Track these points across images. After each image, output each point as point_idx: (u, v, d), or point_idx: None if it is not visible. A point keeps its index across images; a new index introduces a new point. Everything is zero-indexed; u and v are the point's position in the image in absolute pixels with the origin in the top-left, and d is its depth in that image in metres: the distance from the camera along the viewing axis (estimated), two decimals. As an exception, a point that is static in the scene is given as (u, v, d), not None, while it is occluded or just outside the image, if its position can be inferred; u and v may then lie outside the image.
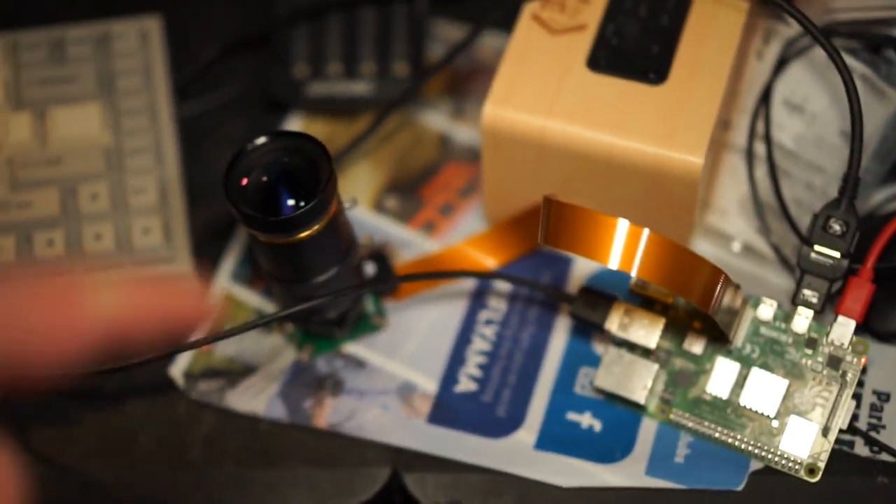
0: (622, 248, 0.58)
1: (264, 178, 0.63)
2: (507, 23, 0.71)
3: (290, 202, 0.63)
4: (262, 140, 0.63)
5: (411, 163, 0.78)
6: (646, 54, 0.67)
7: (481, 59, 0.81)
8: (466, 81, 0.81)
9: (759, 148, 0.73)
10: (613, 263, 0.58)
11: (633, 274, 0.58)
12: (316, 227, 0.62)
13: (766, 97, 0.73)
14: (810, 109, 0.72)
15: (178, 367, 0.71)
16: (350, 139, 0.77)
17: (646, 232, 0.57)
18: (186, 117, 0.79)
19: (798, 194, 0.72)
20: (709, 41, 0.67)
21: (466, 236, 0.74)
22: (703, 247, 0.73)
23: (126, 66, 0.77)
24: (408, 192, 0.77)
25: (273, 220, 0.61)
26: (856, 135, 0.65)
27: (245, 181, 0.62)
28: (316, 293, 0.66)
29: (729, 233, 0.73)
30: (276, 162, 0.63)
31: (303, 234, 0.62)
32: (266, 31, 0.81)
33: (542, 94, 0.67)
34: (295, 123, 0.80)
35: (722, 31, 0.68)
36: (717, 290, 0.60)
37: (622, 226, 0.57)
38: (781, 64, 0.73)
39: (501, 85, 0.67)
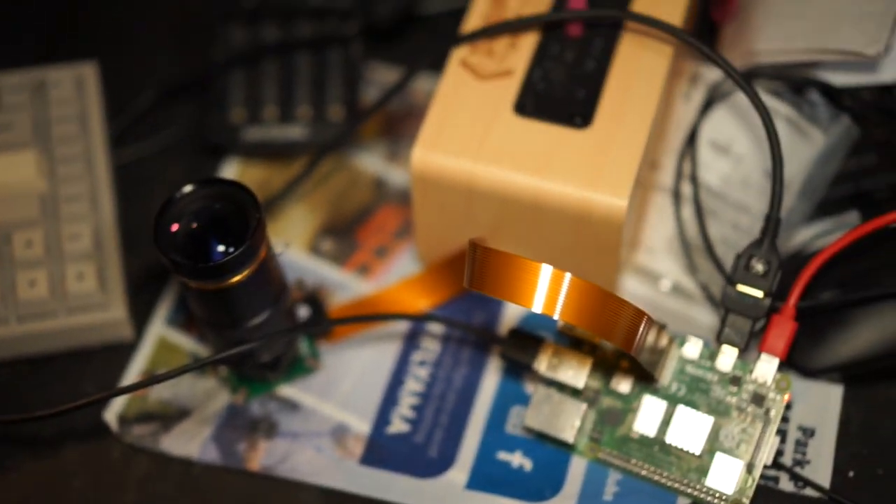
0: (545, 292, 0.58)
1: (194, 225, 0.64)
2: (441, 66, 0.72)
3: (220, 248, 0.64)
4: (190, 188, 0.63)
5: (346, 205, 0.79)
6: (571, 99, 0.69)
7: (415, 102, 0.82)
8: (401, 124, 0.82)
9: (687, 188, 0.74)
10: (537, 307, 0.59)
11: (556, 317, 0.59)
12: (246, 273, 0.63)
13: (692, 139, 0.74)
14: (736, 150, 0.73)
15: (113, 412, 0.71)
16: (286, 183, 0.78)
17: (567, 276, 0.58)
18: (124, 163, 0.80)
19: (725, 233, 0.73)
20: (633, 85, 0.69)
21: (401, 278, 0.75)
22: (633, 285, 0.74)
23: (62, 113, 0.78)
24: (343, 234, 0.78)
25: (202, 267, 0.62)
26: (777, 176, 0.66)
27: (175, 228, 0.63)
28: (249, 337, 0.66)
29: (658, 271, 0.74)
30: (206, 209, 0.64)
31: (233, 280, 0.63)
32: (203, 77, 0.82)
33: (470, 139, 0.68)
34: (232, 168, 0.80)
35: (646, 76, 0.69)
36: (640, 332, 0.61)
37: (545, 270, 0.58)
38: (707, 106, 0.74)
39: (430, 129, 0.68)
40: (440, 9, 0.86)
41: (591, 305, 0.59)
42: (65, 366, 0.73)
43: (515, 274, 0.59)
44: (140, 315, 0.74)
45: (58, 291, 0.72)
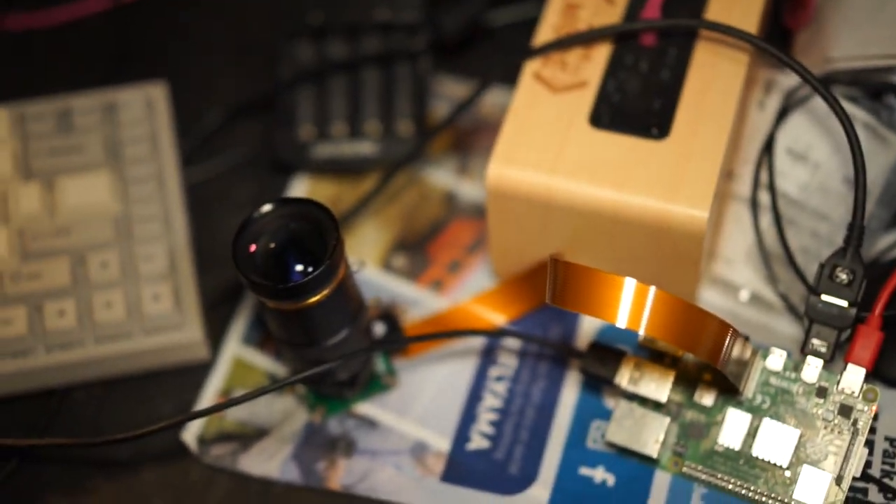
0: (629, 306, 0.58)
1: (272, 245, 0.63)
2: (509, 78, 0.71)
3: (299, 268, 0.64)
4: (268, 207, 0.63)
5: (418, 221, 0.78)
6: (648, 109, 0.68)
7: (484, 116, 0.82)
8: (470, 138, 0.81)
9: (764, 197, 0.73)
10: (621, 322, 0.58)
11: (642, 332, 0.58)
12: (325, 293, 0.63)
13: (768, 147, 0.73)
14: (813, 158, 0.73)
15: (191, 433, 0.71)
16: (357, 199, 0.78)
17: (652, 290, 0.58)
18: (194, 183, 0.80)
19: (804, 242, 0.72)
20: (710, 94, 0.68)
21: (475, 293, 0.75)
22: (711, 297, 0.73)
23: (133, 133, 0.78)
24: (415, 249, 0.77)
25: (282, 287, 0.61)
26: (859, 183, 0.65)
27: (253, 248, 0.63)
28: (327, 356, 0.66)
29: (736, 282, 0.73)
30: (284, 228, 0.64)
31: (312, 300, 0.62)
32: (270, 94, 0.82)
33: (546, 152, 0.67)
34: (301, 185, 0.80)
35: (723, 84, 0.68)
36: (726, 345, 0.60)
37: (629, 285, 0.58)
38: (783, 114, 0.73)
39: (505, 143, 0.68)
40: (507, 20, 0.85)
41: (677, 319, 0.59)
42: (142, 387, 0.73)
43: (599, 288, 0.58)
44: (215, 334, 0.74)
45: (134, 312, 0.72)
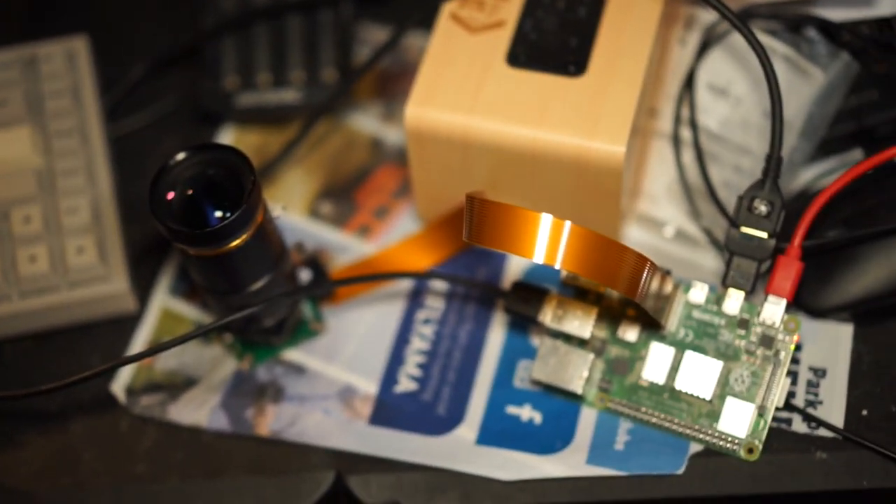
0: (546, 242, 0.58)
1: (189, 192, 0.63)
2: (431, 23, 0.71)
3: (217, 214, 0.63)
4: (183, 155, 0.63)
5: (344, 167, 0.78)
6: (564, 47, 0.68)
7: (409, 61, 0.82)
8: (395, 83, 0.81)
9: (686, 133, 0.73)
10: (538, 257, 0.58)
11: (558, 266, 0.58)
12: (244, 237, 0.62)
13: (689, 83, 0.73)
14: (734, 93, 0.73)
15: (120, 384, 0.71)
16: (281, 147, 0.77)
17: (567, 224, 0.58)
18: (119, 135, 0.80)
19: (727, 177, 0.72)
20: (626, 31, 0.68)
21: (402, 237, 0.75)
22: (636, 234, 0.74)
23: (54, 87, 0.78)
24: (342, 196, 0.77)
25: (200, 233, 0.61)
26: (776, 116, 0.65)
27: (171, 196, 0.63)
28: (251, 302, 0.66)
29: (660, 219, 0.73)
30: (200, 175, 0.63)
31: (231, 245, 0.62)
32: (194, 45, 0.81)
33: (464, 92, 0.67)
34: (228, 135, 0.80)
35: (639, 21, 0.68)
36: (644, 278, 0.61)
37: (545, 220, 0.58)
38: (703, 49, 0.73)
39: (423, 85, 0.68)
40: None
41: (593, 253, 0.59)
42: (69, 340, 0.73)
43: (515, 225, 0.58)
44: (143, 286, 0.74)
45: (58, 266, 0.71)
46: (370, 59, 0.75)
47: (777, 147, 0.65)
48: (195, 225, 0.63)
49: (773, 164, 0.65)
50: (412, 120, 0.67)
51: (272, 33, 0.81)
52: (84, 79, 0.78)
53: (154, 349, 0.66)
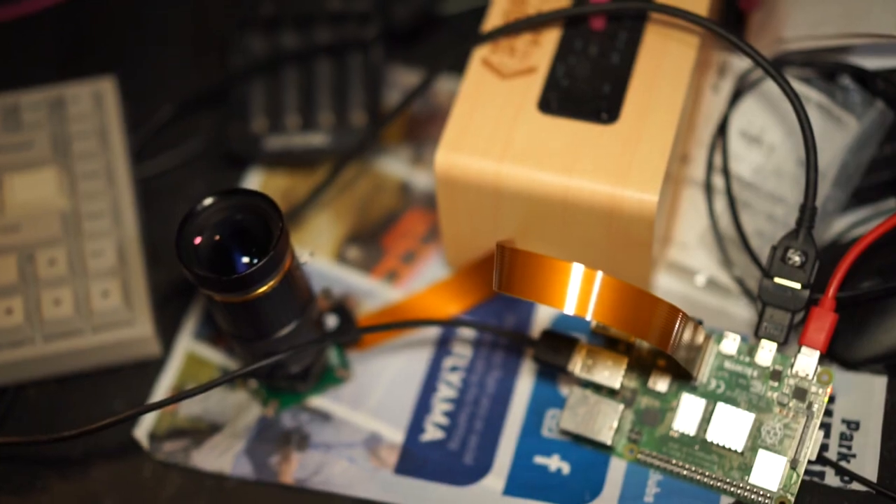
0: (577, 292, 0.57)
1: (217, 237, 0.63)
2: (462, 66, 0.71)
3: (244, 259, 0.63)
4: (210, 200, 0.62)
5: (372, 212, 0.78)
6: (597, 94, 0.67)
7: (438, 105, 0.81)
8: (424, 127, 0.81)
9: (719, 181, 0.72)
10: (569, 308, 0.57)
11: (589, 318, 0.57)
12: (271, 284, 0.62)
13: (722, 130, 0.72)
14: (768, 140, 0.72)
15: (143, 429, 0.70)
16: (309, 191, 0.77)
17: (599, 275, 0.57)
18: (146, 177, 0.79)
19: (760, 226, 0.71)
20: (660, 78, 0.67)
21: (430, 283, 0.74)
22: (667, 282, 0.73)
23: (81, 128, 0.77)
24: (369, 241, 0.77)
25: (226, 280, 0.61)
26: (811, 165, 0.64)
27: (198, 241, 0.62)
28: (277, 349, 0.65)
29: (692, 267, 0.73)
30: (228, 220, 0.63)
31: (258, 292, 0.62)
32: (222, 87, 0.81)
33: (495, 139, 0.66)
34: (255, 177, 0.79)
35: (673, 68, 0.68)
36: (676, 329, 0.60)
37: (576, 270, 0.57)
38: (737, 96, 0.73)
39: (453, 131, 0.67)
40: (460, 8, 0.84)
41: (625, 304, 0.58)
42: (93, 384, 0.72)
43: (545, 275, 0.58)
44: (167, 330, 0.74)
45: (83, 309, 0.71)
46: (400, 103, 0.74)
47: (811, 197, 0.64)
48: (222, 270, 0.62)
49: (808, 214, 0.64)
50: (442, 166, 0.66)
51: (301, 76, 0.80)
52: (111, 120, 0.78)
53: (178, 396, 0.65)
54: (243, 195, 0.63)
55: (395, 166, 0.79)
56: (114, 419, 0.64)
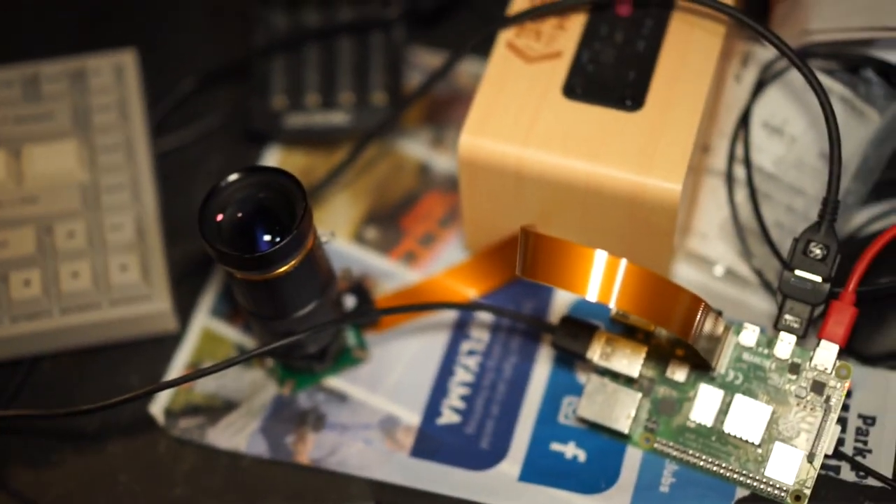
0: (600, 279, 0.57)
1: (239, 215, 0.62)
2: (485, 49, 0.70)
3: (266, 238, 0.63)
4: (235, 176, 0.62)
5: (391, 193, 0.78)
6: (622, 81, 0.67)
7: (460, 87, 0.81)
8: (445, 109, 0.80)
9: (740, 171, 0.72)
10: (591, 295, 0.57)
11: (612, 305, 0.57)
12: (293, 263, 0.62)
13: (745, 120, 0.72)
14: (790, 132, 0.72)
15: (159, 405, 0.70)
16: (329, 170, 0.77)
17: (623, 262, 0.57)
18: (165, 151, 0.79)
19: (779, 217, 0.71)
20: (685, 66, 0.67)
21: (448, 266, 0.74)
22: (686, 271, 0.73)
23: (102, 101, 0.77)
24: (388, 222, 0.76)
25: (248, 257, 0.60)
26: (834, 158, 0.64)
27: (220, 217, 0.62)
28: (296, 328, 0.65)
29: (711, 257, 0.72)
30: (251, 198, 0.63)
31: (280, 271, 0.62)
32: (243, 63, 0.81)
33: (519, 123, 0.66)
34: (274, 155, 0.79)
35: (698, 56, 0.67)
36: (697, 319, 0.60)
37: (600, 257, 0.57)
38: (760, 87, 0.73)
39: (477, 114, 0.67)
40: (483, -9, 0.84)
41: (648, 292, 0.58)
42: (109, 358, 0.72)
43: (569, 261, 0.58)
44: (184, 306, 0.74)
45: (101, 283, 0.71)
46: (423, 85, 0.74)
47: (834, 190, 0.64)
48: (244, 248, 0.62)
49: (830, 207, 0.64)
50: (466, 149, 0.66)
51: (323, 54, 0.80)
52: (132, 94, 0.78)
53: (195, 374, 0.65)
54: (267, 172, 0.63)
55: (414, 148, 0.79)
56: (130, 395, 0.64)
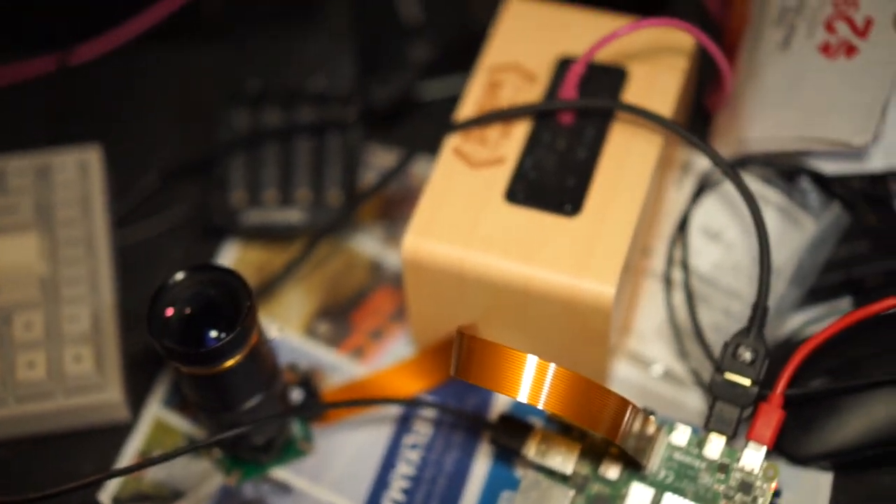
0: (530, 382, 0.59)
1: (188, 311, 0.65)
2: (437, 151, 0.73)
3: (213, 333, 0.65)
4: (182, 275, 0.64)
5: (343, 288, 0.80)
6: (562, 187, 0.70)
7: (413, 186, 0.83)
8: (398, 207, 0.83)
9: (678, 274, 0.75)
10: (522, 397, 0.59)
11: (541, 407, 0.59)
12: (237, 358, 0.64)
13: (683, 226, 0.75)
14: (727, 238, 0.74)
15: (108, 493, 0.72)
16: (284, 265, 0.79)
17: (552, 367, 0.59)
18: (128, 244, 0.81)
19: (717, 319, 0.74)
20: (623, 174, 0.70)
21: (396, 360, 0.76)
22: (624, 370, 0.75)
23: (65, 196, 0.79)
24: (339, 317, 0.79)
25: (193, 353, 0.63)
26: (764, 266, 0.66)
27: (170, 313, 0.64)
28: (242, 420, 0.67)
29: (649, 357, 0.75)
30: (200, 294, 0.65)
31: (225, 365, 0.64)
32: (206, 159, 0.83)
33: (461, 226, 0.69)
34: (232, 250, 0.82)
35: (636, 164, 0.70)
36: (625, 420, 0.62)
37: (530, 361, 0.59)
38: (698, 194, 0.75)
39: (422, 216, 0.69)
40: (438, 95, 0.87)
41: (576, 395, 0.60)
42: (62, 446, 0.74)
43: (500, 363, 0.60)
44: (138, 395, 0.75)
45: (55, 373, 0.73)
46: (375, 185, 0.76)
47: (763, 296, 0.66)
48: (192, 342, 0.64)
49: (759, 313, 0.67)
50: (409, 249, 0.69)
51: (282, 153, 0.82)
52: (95, 189, 0.80)
53: (144, 463, 0.67)
54: (214, 271, 0.65)
55: (367, 244, 0.82)
56: (79, 483, 0.66)
